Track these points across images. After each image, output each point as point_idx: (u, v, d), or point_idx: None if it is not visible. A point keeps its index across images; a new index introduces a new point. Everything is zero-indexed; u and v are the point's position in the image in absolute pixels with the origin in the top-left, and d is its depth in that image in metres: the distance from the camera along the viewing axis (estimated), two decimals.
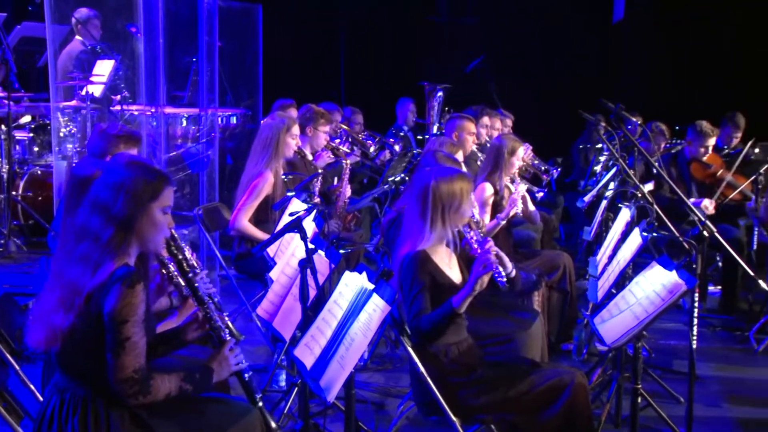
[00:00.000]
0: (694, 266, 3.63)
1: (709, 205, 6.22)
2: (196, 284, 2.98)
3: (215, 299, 3.12)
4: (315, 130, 5.91)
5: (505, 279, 3.38)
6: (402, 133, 8.02)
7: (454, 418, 3.26)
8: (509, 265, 3.58)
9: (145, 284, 2.66)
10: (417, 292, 3.43)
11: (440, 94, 7.93)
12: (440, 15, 10.98)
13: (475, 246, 3.46)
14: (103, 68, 7.21)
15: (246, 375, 3.00)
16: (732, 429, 4.42)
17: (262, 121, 6.15)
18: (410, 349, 3.33)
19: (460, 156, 5.28)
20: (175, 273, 3.04)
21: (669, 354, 5.46)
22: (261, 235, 5.03)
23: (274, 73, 9.12)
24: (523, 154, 5.74)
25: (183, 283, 3.02)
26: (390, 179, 5.84)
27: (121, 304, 2.57)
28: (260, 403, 2.99)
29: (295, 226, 3.47)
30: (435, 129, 7.92)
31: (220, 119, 7.89)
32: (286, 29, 9.97)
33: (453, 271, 3.62)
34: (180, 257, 2.99)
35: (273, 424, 2.98)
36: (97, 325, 2.61)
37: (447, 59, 10.45)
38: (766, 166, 6.19)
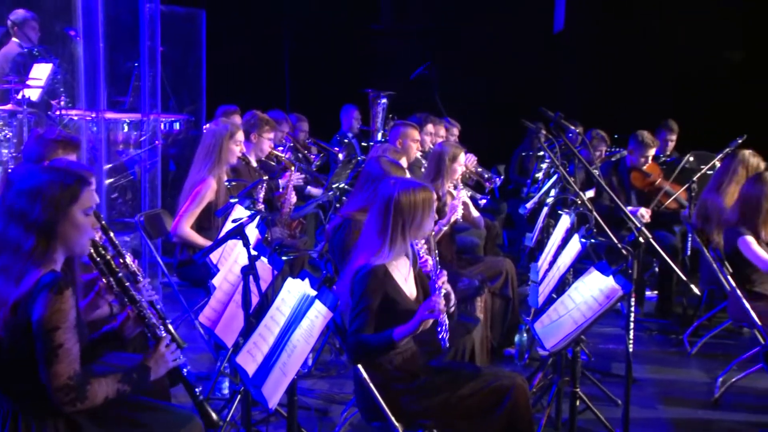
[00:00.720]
0: (630, 272, 3.71)
1: (645, 213, 6.38)
2: (127, 283, 2.94)
3: (158, 306, 3.10)
4: (259, 137, 5.90)
5: (447, 336, 3.32)
6: (346, 140, 8.03)
7: (396, 424, 3.28)
8: (452, 300, 3.56)
9: (73, 289, 2.60)
10: (362, 309, 3.38)
11: (384, 101, 7.96)
12: (384, 22, 11.03)
13: (428, 262, 3.46)
14: (41, 72, 7.06)
15: (184, 370, 2.97)
16: (666, 430, 4.54)
17: (205, 128, 6.11)
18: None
19: (403, 162, 5.31)
20: (109, 277, 2.99)
21: (608, 358, 5.58)
22: (203, 241, 4.99)
23: (217, 79, 9.06)
24: (465, 161, 5.80)
25: (114, 284, 2.97)
26: (334, 186, 5.86)
27: (50, 311, 2.51)
28: (200, 397, 2.97)
29: (238, 232, 3.46)
30: (379, 136, 7.95)
31: (162, 125, 7.79)
32: (229, 35, 9.90)
33: (408, 285, 3.59)
34: (108, 257, 2.95)
35: (214, 416, 2.96)
36: (25, 335, 2.55)
37: (392, 66, 10.50)
38: (698, 175, 6.37)
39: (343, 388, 4.87)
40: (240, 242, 3.53)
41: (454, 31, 10.72)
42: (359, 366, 3.32)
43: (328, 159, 7.97)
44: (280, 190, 6.01)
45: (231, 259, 3.98)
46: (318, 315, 2.91)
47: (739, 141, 6.25)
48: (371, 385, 3.29)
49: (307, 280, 3.05)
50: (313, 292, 2.98)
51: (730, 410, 4.76)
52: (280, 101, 9.76)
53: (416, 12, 11.05)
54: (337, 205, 5.68)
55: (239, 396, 4.02)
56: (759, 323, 4.59)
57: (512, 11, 10.50)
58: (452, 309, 3.52)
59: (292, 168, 5.92)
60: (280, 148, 6.63)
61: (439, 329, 3.28)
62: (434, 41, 10.61)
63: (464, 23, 10.70)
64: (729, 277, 4.94)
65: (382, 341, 3.32)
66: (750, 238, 4.80)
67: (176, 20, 8.06)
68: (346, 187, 5.86)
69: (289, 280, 3.12)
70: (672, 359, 5.71)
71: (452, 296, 3.49)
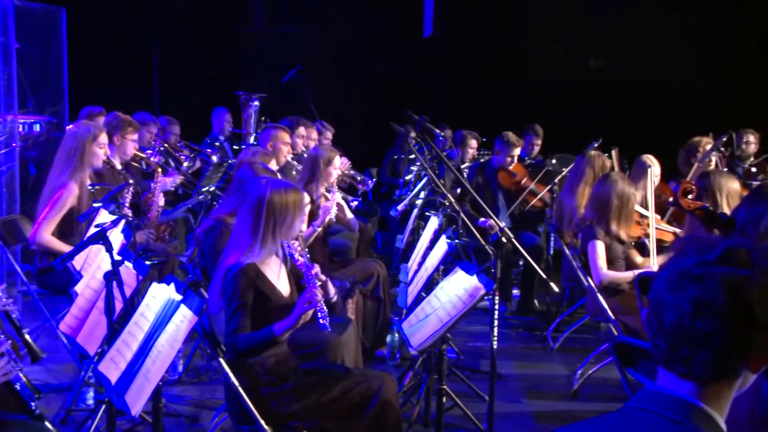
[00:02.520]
0: (493, 271, 3.84)
1: (494, 224, 6.62)
2: None
3: (13, 316, 2.98)
4: (123, 139, 5.73)
5: (327, 321, 3.38)
6: (218, 143, 7.93)
7: (266, 427, 3.27)
8: (332, 291, 3.62)
9: None
10: (236, 308, 3.38)
11: (256, 103, 7.91)
12: (256, 25, 10.95)
13: (300, 261, 3.48)
14: None
15: (17, 385, 2.86)
16: (530, 422, 4.72)
17: (67, 129, 5.89)
18: (222, 361, 3.31)
19: (273, 165, 5.30)
20: None
21: (476, 355, 5.75)
22: (64, 248, 4.80)
23: (82, 79, 8.73)
24: (339, 165, 5.85)
25: None
26: (205, 190, 5.78)
27: None
28: (36, 411, 2.87)
29: (99, 237, 3.36)
30: (252, 139, 7.89)
31: (21, 126, 7.43)
32: (93, 34, 9.56)
33: (281, 283, 3.60)
34: None
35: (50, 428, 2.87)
36: None
37: (264, 69, 10.44)
38: (559, 177, 6.66)
39: (215, 393, 4.81)
40: (104, 247, 3.44)
41: (326, 35, 10.76)
42: (228, 370, 3.30)
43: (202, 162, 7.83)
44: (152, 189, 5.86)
45: (94, 265, 3.87)
46: (183, 320, 2.88)
47: (595, 144, 6.57)
48: (240, 389, 3.27)
49: (172, 285, 3.01)
50: (179, 297, 2.94)
51: (588, 401, 5.01)
52: (149, 103, 9.52)
53: (288, 15, 11.03)
54: (212, 206, 5.60)
55: (104, 406, 3.90)
56: (613, 318, 4.85)
57: (383, 16, 10.65)
58: (334, 298, 3.58)
59: (159, 171, 5.79)
60: (149, 151, 6.47)
61: (319, 315, 3.33)
62: (306, 45, 10.62)
63: (336, 27, 10.76)
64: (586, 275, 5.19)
65: (263, 337, 3.34)
66: (599, 244, 5.05)
67: (33, 17, 7.69)
68: (216, 191, 5.79)
69: (154, 285, 3.07)
70: (536, 354, 5.95)
71: (330, 284, 3.55)
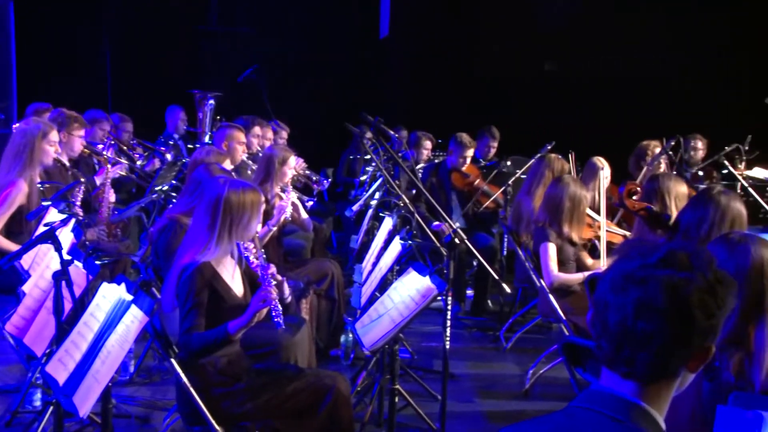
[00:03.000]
0: (446, 272, 3.87)
1: (445, 229, 6.68)
2: None
3: None
4: (69, 135, 5.63)
5: (281, 320, 3.39)
6: (172, 142, 7.84)
7: (217, 428, 3.26)
8: (287, 290, 3.62)
9: None
10: (191, 307, 3.36)
11: (211, 102, 7.85)
12: (211, 24, 10.86)
13: (255, 263, 3.47)
14: None
15: None
16: (481, 422, 4.76)
17: (14, 127, 5.77)
18: (174, 361, 3.29)
19: (228, 165, 5.28)
20: None
21: (430, 355, 5.78)
22: (12, 247, 4.70)
23: (31, 75, 8.57)
24: (294, 164, 5.85)
25: None
26: (158, 189, 5.72)
27: None
28: None
29: (48, 236, 3.31)
30: (207, 138, 7.83)
31: None
32: (43, 28, 9.38)
33: (236, 283, 3.59)
34: None
35: None
36: None
37: (220, 68, 10.36)
38: (513, 178, 6.74)
39: (167, 394, 4.77)
40: (53, 247, 3.39)
41: (282, 34, 10.71)
42: (179, 370, 3.28)
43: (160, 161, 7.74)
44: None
45: (43, 264, 3.80)
46: (134, 320, 2.85)
47: (549, 147, 6.65)
48: (191, 389, 3.25)
49: (123, 285, 2.98)
50: (130, 297, 2.91)
51: (539, 400, 5.08)
52: (101, 100, 9.37)
53: (244, 15, 10.95)
54: (166, 205, 5.55)
55: (51, 408, 3.84)
56: (563, 318, 4.92)
57: (339, 16, 10.65)
58: (288, 298, 3.58)
59: (108, 166, 5.71)
60: (101, 146, 6.37)
61: (273, 314, 3.34)
62: (262, 44, 10.56)
63: (292, 27, 10.72)
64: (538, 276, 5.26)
65: (217, 336, 3.32)
66: (551, 246, 5.12)
67: None
68: (170, 190, 5.74)
69: (105, 284, 3.04)
70: (489, 354, 6.00)
71: (285, 284, 3.56)
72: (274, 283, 3.39)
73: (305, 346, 4.34)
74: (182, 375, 3.26)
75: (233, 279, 3.59)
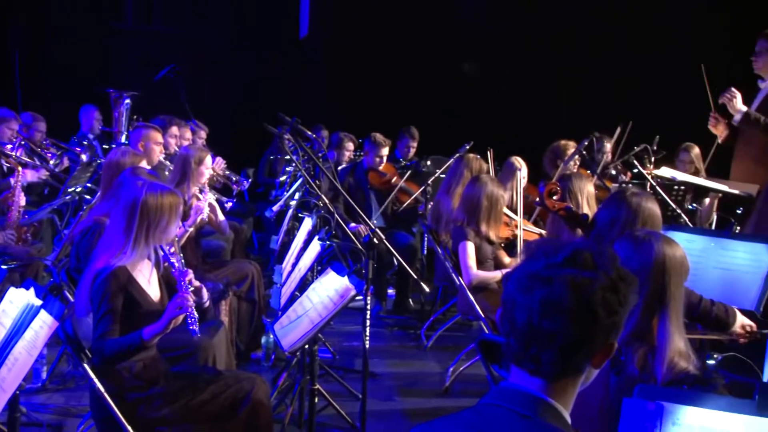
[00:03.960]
0: (364, 271, 3.88)
1: (363, 230, 6.72)
2: None
3: None
4: None
5: (197, 327, 3.35)
6: (86, 142, 7.64)
7: None
8: (205, 295, 3.58)
9: None
10: (105, 312, 3.29)
11: (128, 101, 7.67)
12: (127, 21, 10.61)
13: (174, 267, 3.42)
14: None
15: None
16: (401, 420, 4.80)
17: None
18: (87, 366, 3.22)
19: (144, 165, 5.17)
20: None
21: (352, 355, 5.79)
22: None
23: None
24: (212, 164, 5.78)
25: None
26: (71, 190, 5.57)
27: None
28: None
29: None
30: (123, 138, 7.65)
31: None
32: None
33: (152, 288, 3.53)
34: None
35: None
36: None
37: (136, 67, 10.13)
38: (432, 178, 6.81)
39: (81, 400, 4.65)
40: None
41: (201, 33, 10.56)
42: (93, 375, 3.20)
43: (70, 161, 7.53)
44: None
45: None
46: (43, 325, 2.78)
47: (467, 146, 6.75)
48: (106, 394, 3.18)
49: (32, 290, 2.90)
50: (39, 302, 2.83)
51: (459, 397, 5.15)
52: (11, 99, 9.04)
53: (161, 12, 10.75)
54: (80, 207, 5.40)
55: None
56: (482, 315, 5.00)
57: (258, 16, 10.55)
58: (206, 303, 3.54)
59: (20, 168, 5.53)
60: (9, 146, 6.17)
61: (189, 321, 3.29)
62: (181, 43, 10.38)
63: (211, 26, 10.58)
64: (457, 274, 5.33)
65: (131, 342, 3.26)
66: (469, 245, 5.20)
67: None
68: (84, 191, 5.60)
69: (12, 289, 2.95)
70: (410, 353, 6.06)
71: (204, 290, 3.52)
72: (191, 289, 3.35)
73: (223, 348, 4.30)
74: (96, 380, 3.19)
75: (150, 284, 3.53)
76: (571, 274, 1.60)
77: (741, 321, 3.36)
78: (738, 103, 5.44)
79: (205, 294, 3.57)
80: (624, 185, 6.06)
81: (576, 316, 1.59)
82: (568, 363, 1.63)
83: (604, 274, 1.61)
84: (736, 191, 5.29)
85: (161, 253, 3.49)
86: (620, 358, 2.39)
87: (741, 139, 5.63)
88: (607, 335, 1.63)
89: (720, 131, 5.66)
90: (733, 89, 5.47)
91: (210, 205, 5.31)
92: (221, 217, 5.60)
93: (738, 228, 5.18)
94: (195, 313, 3.33)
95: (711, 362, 2.37)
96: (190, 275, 3.41)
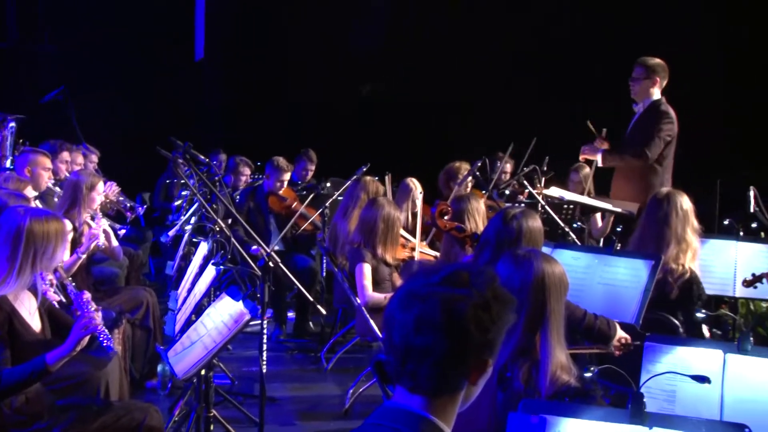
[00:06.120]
0: (260, 295, 3.87)
1: (263, 251, 6.70)
2: None
3: None
4: None
5: (112, 343, 3.26)
6: None
7: None
8: (99, 317, 3.48)
9: None
10: None
11: (12, 125, 7.39)
12: (10, 41, 10.21)
13: (69, 290, 3.31)
14: None
15: None
16: None
17: None
18: None
19: (30, 192, 5.02)
20: None
21: (252, 380, 5.73)
22: None
23: None
24: (104, 190, 5.65)
25: None
26: None
27: None
28: None
29: None
30: (8, 163, 7.36)
31: None
32: None
33: (34, 319, 3.41)
34: None
35: None
36: None
37: (21, 88, 9.77)
38: (330, 200, 6.84)
39: None
40: None
41: (92, 54, 10.27)
42: None
43: None
44: None
45: None
46: None
47: (364, 169, 6.81)
48: None
49: None
50: None
51: (358, 418, 5.14)
52: None
53: (49, 32, 10.39)
54: None
55: None
56: (380, 336, 5.03)
57: (153, 37, 10.37)
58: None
59: None
60: None
61: (100, 339, 3.21)
62: (70, 64, 10.06)
63: (103, 46, 10.31)
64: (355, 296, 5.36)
65: (33, 369, 3.14)
66: (366, 267, 5.25)
67: None
68: None
69: None
70: (309, 376, 6.03)
71: (100, 313, 3.42)
72: (93, 308, 3.26)
73: (116, 378, 4.18)
74: None
75: (31, 314, 3.41)
76: (445, 292, 1.65)
77: (619, 334, 3.53)
78: (596, 154, 5.81)
79: (99, 316, 3.47)
80: (511, 205, 6.24)
81: (448, 333, 1.63)
82: (443, 379, 1.67)
83: (477, 293, 1.66)
84: (618, 209, 5.55)
85: (44, 281, 3.39)
86: (506, 374, 2.46)
87: None
88: (480, 352, 1.67)
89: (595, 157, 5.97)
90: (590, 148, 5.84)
91: (104, 231, 5.18)
92: (115, 242, 5.47)
93: (619, 245, 5.41)
94: (105, 329, 3.24)
95: (588, 374, 2.47)
96: (87, 295, 3.32)
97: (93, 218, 5.32)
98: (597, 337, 3.45)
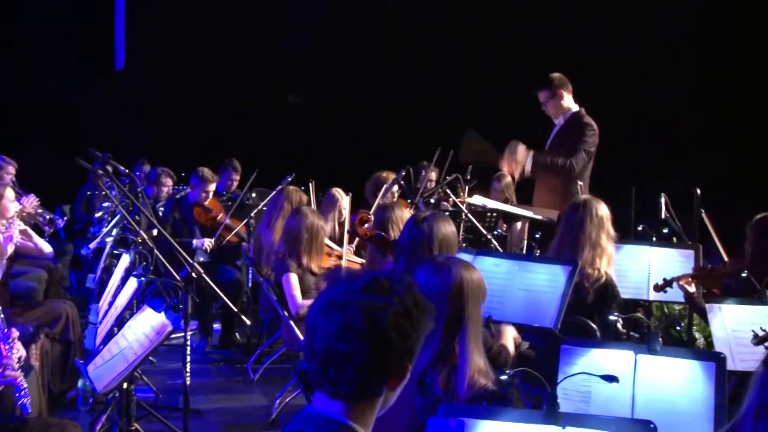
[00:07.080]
0: (182, 307, 3.83)
1: (208, 245, 6.67)
2: None
3: None
4: None
5: (29, 401, 3.14)
6: None
7: None
8: (22, 358, 3.38)
9: None
10: None
11: None
12: None
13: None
14: None
15: None
16: None
17: None
18: None
19: None
20: None
21: (176, 393, 5.59)
22: None
23: None
24: (22, 200, 5.52)
25: None
26: None
27: None
28: None
29: None
30: None
31: None
32: None
33: None
34: None
35: None
36: None
37: None
38: (255, 210, 6.82)
39: None
40: None
41: (12, 64, 9.99)
42: None
43: None
44: None
45: None
46: None
47: (289, 179, 6.80)
48: None
49: None
50: None
51: None
52: None
53: None
54: None
55: None
56: None
57: (72, 46, 10.15)
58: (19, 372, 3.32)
59: None
60: None
61: (17, 394, 3.08)
62: None
63: (21, 56, 10.03)
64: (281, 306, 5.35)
65: None
66: (292, 276, 5.24)
67: None
68: None
69: None
70: (236, 387, 5.98)
71: (23, 354, 3.32)
72: (16, 354, 3.14)
73: (34, 393, 4.07)
74: None
75: None
76: (366, 299, 1.68)
77: (511, 344, 3.60)
78: (525, 162, 5.87)
79: (23, 356, 3.36)
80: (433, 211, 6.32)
81: (369, 339, 1.66)
82: (364, 385, 1.70)
83: (398, 300, 1.70)
84: (539, 217, 5.67)
85: None
86: (426, 379, 2.50)
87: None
88: (401, 359, 1.71)
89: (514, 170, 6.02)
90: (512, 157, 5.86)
91: (21, 231, 5.05)
92: (38, 239, 5.34)
93: (538, 251, 5.53)
94: (24, 383, 3.12)
95: (504, 377, 2.54)
96: (15, 334, 3.21)
97: (6, 228, 5.19)
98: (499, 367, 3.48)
